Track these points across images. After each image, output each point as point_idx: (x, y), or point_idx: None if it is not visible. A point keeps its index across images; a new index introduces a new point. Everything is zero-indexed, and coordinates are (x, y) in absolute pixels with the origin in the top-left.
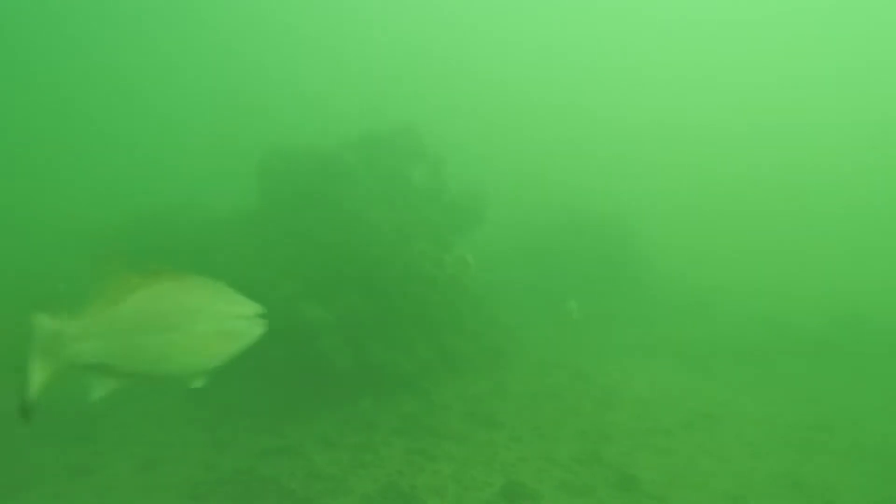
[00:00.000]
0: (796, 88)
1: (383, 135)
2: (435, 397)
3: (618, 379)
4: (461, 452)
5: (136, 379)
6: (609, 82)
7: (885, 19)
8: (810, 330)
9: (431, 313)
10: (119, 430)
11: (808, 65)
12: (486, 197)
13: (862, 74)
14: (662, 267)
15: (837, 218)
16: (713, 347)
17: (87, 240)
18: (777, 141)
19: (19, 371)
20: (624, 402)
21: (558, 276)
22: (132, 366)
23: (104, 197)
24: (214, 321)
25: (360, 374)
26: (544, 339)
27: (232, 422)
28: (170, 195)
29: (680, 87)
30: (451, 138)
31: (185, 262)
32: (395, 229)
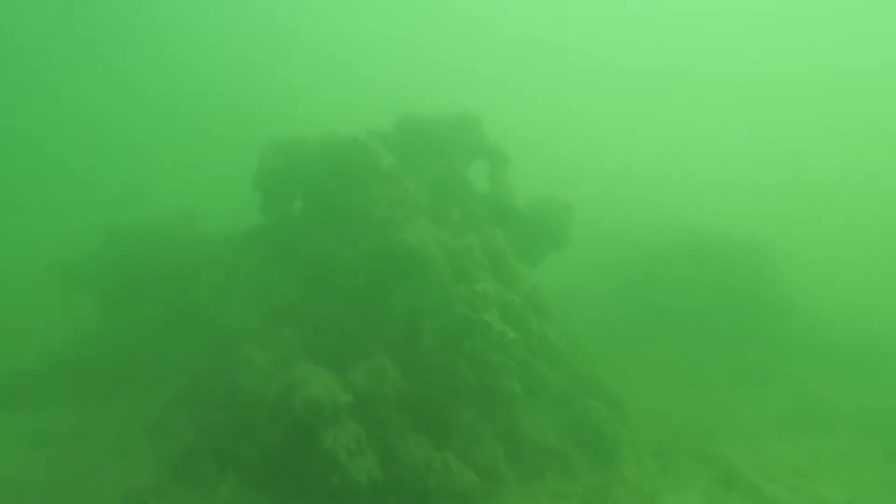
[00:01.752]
0: None
1: (429, 122)
2: None
3: (798, 485)
4: None
5: None
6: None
7: None
8: None
9: (497, 385)
10: None
11: None
12: (569, 210)
13: None
14: (812, 305)
15: None
16: None
17: (59, 266)
18: None
19: None
20: None
21: (671, 319)
22: None
23: (87, 207)
24: None
25: (389, 490)
26: (661, 407)
27: None
28: (162, 203)
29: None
30: (518, 133)
31: (162, 293)
32: (447, 256)
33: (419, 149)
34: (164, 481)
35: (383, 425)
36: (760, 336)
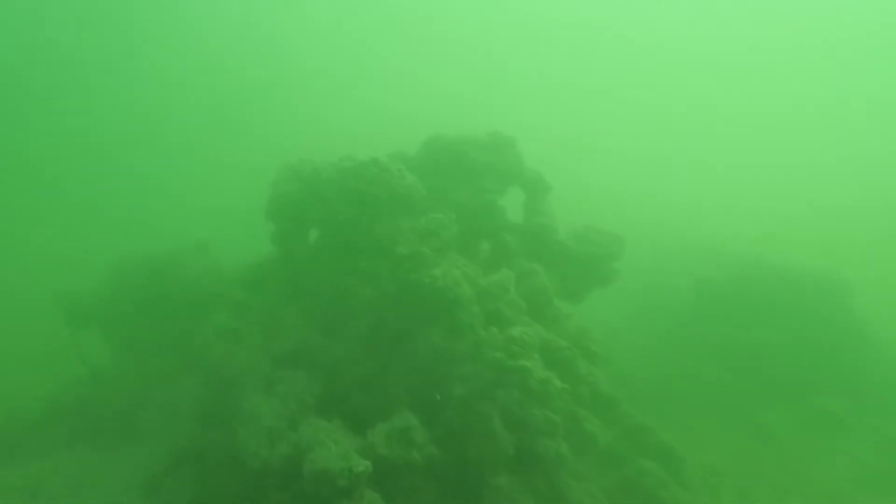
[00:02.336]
0: None
1: (458, 144)
2: None
3: None
4: None
5: None
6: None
7: None
8: None
9: (539, 444)
10: None
11: None
12: (620, 242)
13: None
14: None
15: None
16: None
17: (65, 300)
18: None
19: None
20: None
21: (730, 358)
22: None
23: (94, 238)
24: None
25: None
26: (723, 463)
27: None
28: (173, 231)
29: None
30: (556, 157)
31: (170, 332)
32: (478, 294)
33: (447, 174)
34: None
35: (407, 495)
36: (835, 379)
